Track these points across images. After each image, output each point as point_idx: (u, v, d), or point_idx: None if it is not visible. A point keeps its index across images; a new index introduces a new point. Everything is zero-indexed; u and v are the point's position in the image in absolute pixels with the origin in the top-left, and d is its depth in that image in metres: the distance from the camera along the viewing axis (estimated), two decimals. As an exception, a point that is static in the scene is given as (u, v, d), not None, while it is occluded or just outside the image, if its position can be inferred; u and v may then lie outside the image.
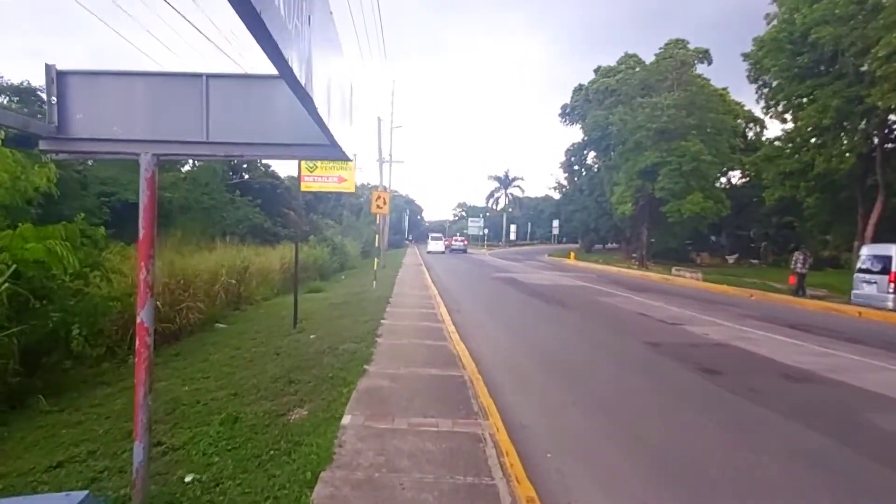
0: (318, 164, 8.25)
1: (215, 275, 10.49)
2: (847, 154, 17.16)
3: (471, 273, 24.36)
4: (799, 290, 16.51)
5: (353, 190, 8.39)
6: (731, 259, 46.16)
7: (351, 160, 8.36)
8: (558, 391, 5.89)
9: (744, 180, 40.08)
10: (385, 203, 14.06)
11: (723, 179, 39.42)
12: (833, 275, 21.98)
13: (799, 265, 16.51)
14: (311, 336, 7.90)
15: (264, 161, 40.63)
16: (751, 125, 41.17)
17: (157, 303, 8.27)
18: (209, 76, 3.20)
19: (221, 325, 9.62)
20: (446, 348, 7.23)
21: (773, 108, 19.73)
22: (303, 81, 1.90)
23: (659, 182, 29.69)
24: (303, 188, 8.60)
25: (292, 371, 6.00)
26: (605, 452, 4.23)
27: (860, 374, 6.83)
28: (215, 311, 9.94)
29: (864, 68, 16.53)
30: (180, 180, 41.70)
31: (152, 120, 3.26)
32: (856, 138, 17.33)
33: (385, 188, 18.22)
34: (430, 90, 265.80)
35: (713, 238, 50.21)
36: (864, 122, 17.41)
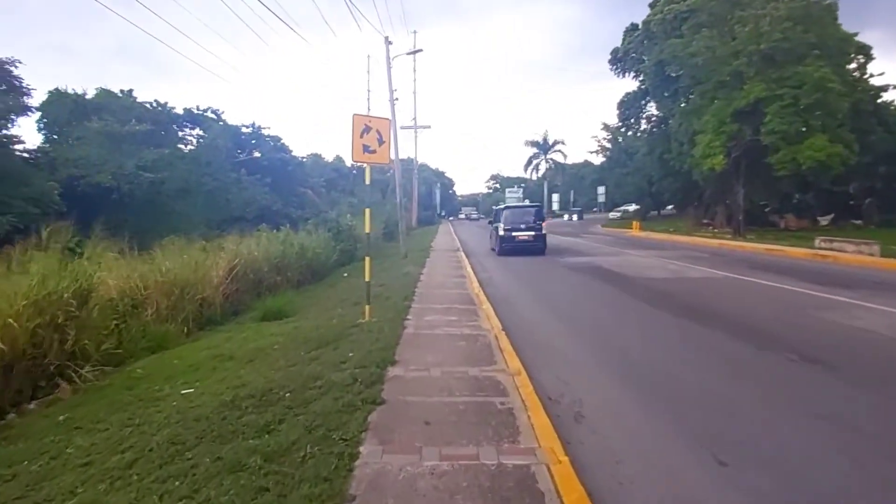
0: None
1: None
2: None
3: (532, 261, 17.39)
4: None
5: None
6: (824, 221, 38.18)
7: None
8: None
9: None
10: (385, 142, 6.80)
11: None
12: None
13: None
14: None
15: (272, 133, 35.55)
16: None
17: None
18: None
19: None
20: None
21: None
22: None
23: (767, 123, 22.23)
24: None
25: None
26: None
27: None
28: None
29: None
30: (178, 159, 36.10)
31: None
32: None
33: (391, 121, 10.78)
34: (455, 59, 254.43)
35: (797, 196, 41.86)
36: None
